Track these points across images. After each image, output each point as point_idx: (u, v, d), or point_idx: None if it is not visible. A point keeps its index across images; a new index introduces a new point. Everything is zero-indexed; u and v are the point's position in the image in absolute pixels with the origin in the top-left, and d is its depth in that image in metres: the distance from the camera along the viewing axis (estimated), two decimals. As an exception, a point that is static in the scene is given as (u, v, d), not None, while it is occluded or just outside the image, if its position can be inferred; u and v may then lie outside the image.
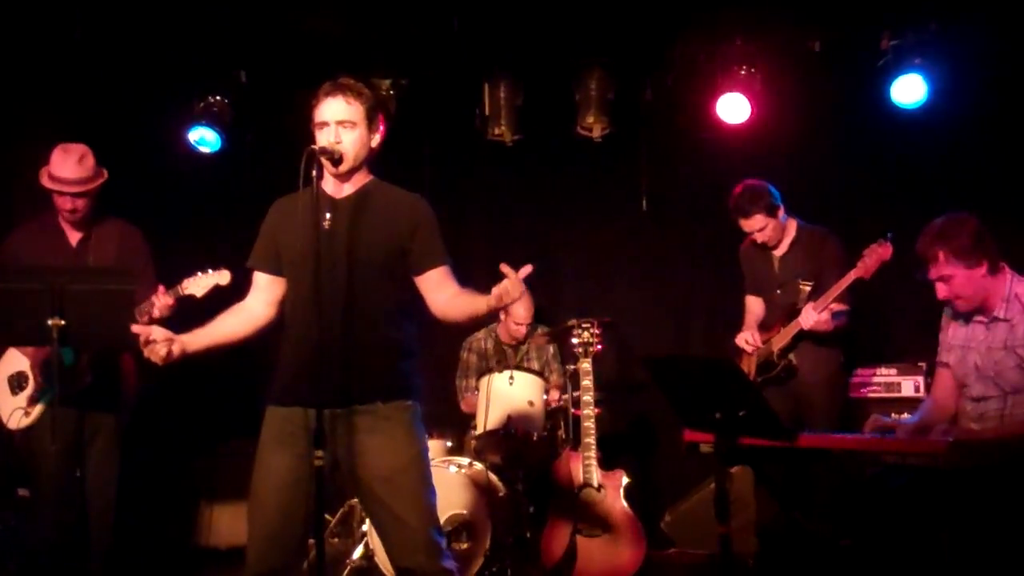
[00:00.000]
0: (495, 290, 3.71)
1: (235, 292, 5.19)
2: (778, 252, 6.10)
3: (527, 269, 3.71)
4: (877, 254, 5.42)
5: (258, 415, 3.91)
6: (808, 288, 5.84)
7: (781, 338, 5.88)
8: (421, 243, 3.91)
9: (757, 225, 5.93)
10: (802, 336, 5.82)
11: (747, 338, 6.06)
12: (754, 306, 6.29)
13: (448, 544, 3.98)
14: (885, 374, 6.30)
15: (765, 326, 6.12)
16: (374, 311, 3.79)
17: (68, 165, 5.22)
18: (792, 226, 6.07)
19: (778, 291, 6.06)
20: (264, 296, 4.06)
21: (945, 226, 4.22)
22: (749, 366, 6.02)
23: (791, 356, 5.88)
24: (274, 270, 4.02)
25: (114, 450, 5.41)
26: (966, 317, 4.37)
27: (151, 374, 5.74)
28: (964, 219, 4.23)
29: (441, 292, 3.95)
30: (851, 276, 5.53)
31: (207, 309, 5.34)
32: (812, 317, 5.65)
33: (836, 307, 5.70)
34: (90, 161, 5.31)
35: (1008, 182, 6.61)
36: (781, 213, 5.97)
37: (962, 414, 4.39)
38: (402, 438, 3.80)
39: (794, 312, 5.84)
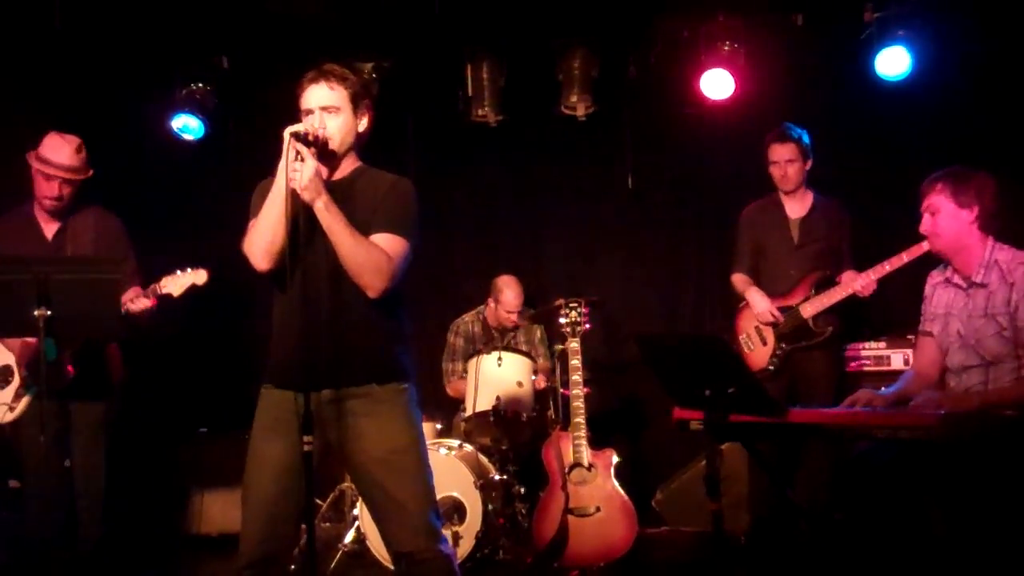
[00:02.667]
0: None
1: (213, 289, 5.24)
2: (794, 215, 6.14)
3: None
4: None
5: (247, 402, 3.89)
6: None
7: (816, 304, 5.95)
8: (381, 207, 3.81)
9: (788, 155, 6.02)
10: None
11: (768, 308, 6.05)
12: (746, 281, 6.27)
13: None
14: (874, 347, 6.32)
15: (774, 293, 6.12)
16: (362, 296, 3.76)
17: (64, 152, 5.28)
18: (808, 194, 6.16)
19: (795, 253, 6.10)
20: None
21: (962, 168, 4.29)
22: (766, 335, 6.06)
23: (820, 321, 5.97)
24: None
25: (100, 439, 5.41)
26: (947, 281, 4.38)
27: (137, 362, 5.77)
28: (983, 174, 4.28)
29: None
30: (923, 247, 5.41)
31: (185, 308, 5.39)
32: (872, 285, 5.78)
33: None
34: (84, 154, 5.36)
35: (992, 153, 6.61)
36: (809, 164, 6.09)
37: (946, 388, 4.38)
38: (400, 421, 3.78)
39: (826, 278, 5.96)
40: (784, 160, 6.03)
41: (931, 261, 5.49)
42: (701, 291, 7.39)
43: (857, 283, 5.80)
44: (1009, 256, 4.20)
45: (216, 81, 7.36)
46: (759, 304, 6.10)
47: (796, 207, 6.14)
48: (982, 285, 4.22)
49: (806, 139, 6.06)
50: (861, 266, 5.92)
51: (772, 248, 6.19)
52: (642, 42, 7.36)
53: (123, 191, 6.44)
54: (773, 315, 6.03)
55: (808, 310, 5.95)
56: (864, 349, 6.33)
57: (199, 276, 5.23)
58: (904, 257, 5.61)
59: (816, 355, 5.98)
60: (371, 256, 3.68)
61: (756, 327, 6.12)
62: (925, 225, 4.30)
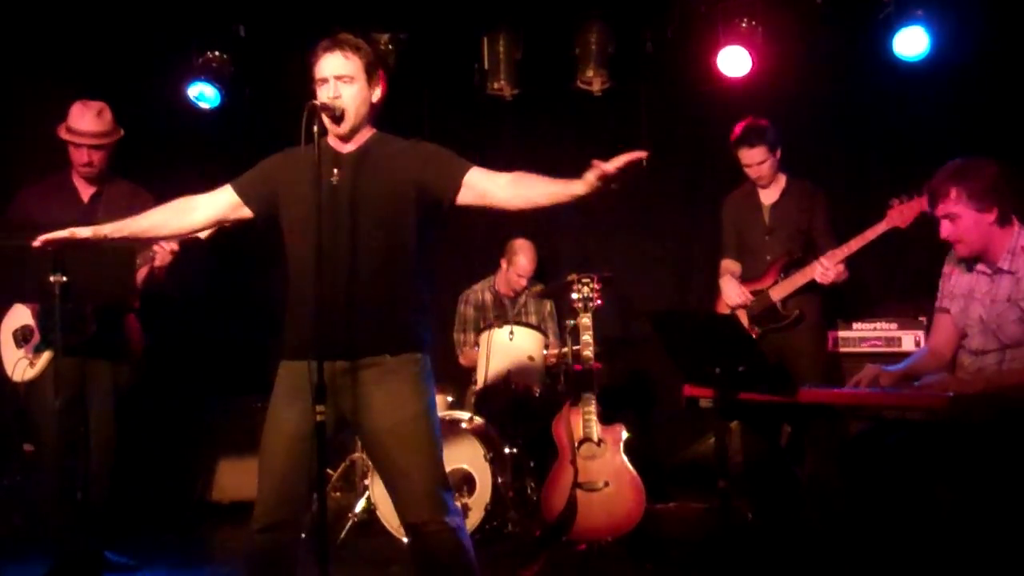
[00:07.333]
0: (594, 173, 3.46)
1: (238, 232, 5.24)
2: (767, 201, 6.14)
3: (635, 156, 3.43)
4: (915, 205, 5.38)
5: (264, 371, 3.92)
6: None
7: (784, 287, 5.91)
8: (438, 166, 3.88)
9: (758, 157, 5.96)
10: (811, 286, 5.85)
11: (737, 294, 6.09)
12: (732, 267, 6.32)
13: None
14: (885, 328, 6.32)
15: (751, 277, 6.15)
16: (380, 265, 3.76)
17: (87, 118, 5.37)
18: (782, 178, 6.13)
19: (767, 237, 6.10)
20: (213, 210, 4.09)
21: (965, 166, 4.16)
22: (742, 319, 6.03)
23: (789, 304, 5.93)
24: (246, 200, 4.00)
25: (114, 403, 5.43)
26: (969, 265, 4.32)
27: (157, 330, 5.80)
28: (985, 163, 4.17)
29: (493, 181, 3.82)
30: (881, 227, 5.55)
31: (212, 249, 5.40)
32: (831, 272, 5.70)
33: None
34: (108, 116, 5.45)
35: (1010, 134, 6.59)
36: (779, 154, 6.02)
37: (959, 367, 4.36)
38: (409, 391, 3.79)
39: (795, 261, 5.91)
40: (756, 163, 6.00)
41: (892, 239, 5.50)
42: (713, 269, 7.34)
43: (816, 270, 5.76)
44: None
45: (233, 49, 7.37)
46: (726, 288, 6.18)
47: (769, 193, 6.15)
48: (1009, 272, 4.17)
49: (771, 133, 5.97)
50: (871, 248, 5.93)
51: (748, 234, 6.23)
52: (660, 18, 7.34)
53: (138, 159, 6.45)
54: (742, 297, 6.07)
55: (776, 293, 5.95)
56: (875, 329, 6.33)
57: None
58: (869, 236, 5.62)
59: (793, 335, 5.96)
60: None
61: (731, 311, 6.13)
62: (946, 231, 4.19)
